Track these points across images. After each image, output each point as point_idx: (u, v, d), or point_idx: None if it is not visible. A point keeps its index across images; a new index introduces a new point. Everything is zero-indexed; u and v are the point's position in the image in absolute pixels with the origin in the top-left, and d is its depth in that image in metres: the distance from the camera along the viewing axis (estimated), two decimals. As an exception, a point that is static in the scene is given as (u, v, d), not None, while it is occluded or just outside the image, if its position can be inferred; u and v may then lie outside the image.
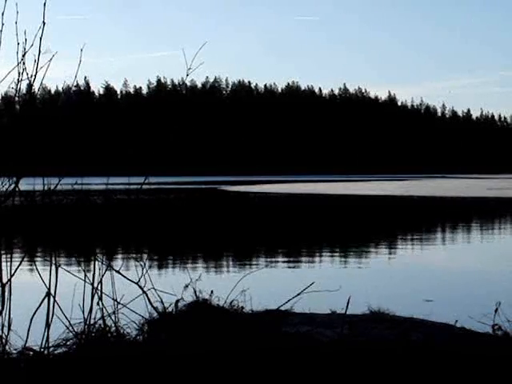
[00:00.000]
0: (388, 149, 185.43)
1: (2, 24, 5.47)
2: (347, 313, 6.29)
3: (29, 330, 5.49)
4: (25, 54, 5.46)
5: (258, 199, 52.62)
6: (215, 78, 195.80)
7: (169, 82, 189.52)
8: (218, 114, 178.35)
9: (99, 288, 5.89)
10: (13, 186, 5.57)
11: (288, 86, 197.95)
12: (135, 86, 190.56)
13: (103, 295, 5.89)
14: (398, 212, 37.42)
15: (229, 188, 75.22)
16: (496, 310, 6.12)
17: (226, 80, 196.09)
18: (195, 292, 6.35)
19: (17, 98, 5.70)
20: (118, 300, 5.98)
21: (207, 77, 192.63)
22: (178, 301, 6.21)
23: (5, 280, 5.62)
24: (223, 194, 63.12)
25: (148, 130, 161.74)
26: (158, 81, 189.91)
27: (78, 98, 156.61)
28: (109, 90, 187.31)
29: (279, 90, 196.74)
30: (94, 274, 5.88)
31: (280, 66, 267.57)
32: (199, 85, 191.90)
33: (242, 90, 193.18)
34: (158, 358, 5.14)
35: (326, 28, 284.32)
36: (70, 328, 5.59)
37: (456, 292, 11.66)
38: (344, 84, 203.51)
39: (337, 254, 18.27)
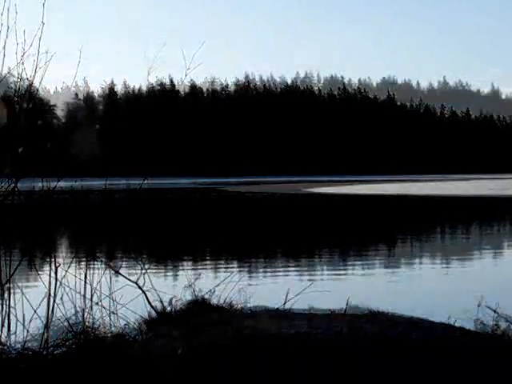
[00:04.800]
0: (386, 149, 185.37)
1: (1, 24, 5.48)
2: (346, 313, 6.30)
3: (28, 330, 5.49)
4: (24, 54, 5.46)
5: (257, 199, 52.59)
6: (213, 79, 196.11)
7: (168, 83, 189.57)
8: (216, 115, 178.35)
9: (98, 288, 5.90)
10: (12, 186, 5.57)
11: (287, 86, 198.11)
12: (134, 86, 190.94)
13: (102, 295, 5.90)
14: (399, 213, 37.43)
15: (228, 188, 75.21)
16: (495, 311, 6.14)
17: (226, 80, 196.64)
18: (194, 292, 6.36)
19: (16, 98, 5.71)
20: (118, 300, 5.98)
21: (206, 77, 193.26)
22: (176, 300, 6.22)
23: (4, 280, 5.62)
24: (222, 193, 63.13)
25: (147, 130, 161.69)
26: (159, 81, 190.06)
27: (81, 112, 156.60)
28: (110, 90, 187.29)
29: (278, 90, 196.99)
30: (93, 274, 5.89)
31: (279, 65, 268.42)
32: (199, 85, 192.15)
33: (242, 89, 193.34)
34: (155, 357, 5.14)
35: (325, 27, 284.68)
36: (69, 328, 5.59)
37: (456, 292, 11.67)
38: (343, 84, 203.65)
39: (336, 255, 18.27)
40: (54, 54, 5.48)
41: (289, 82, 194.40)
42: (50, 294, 5.62)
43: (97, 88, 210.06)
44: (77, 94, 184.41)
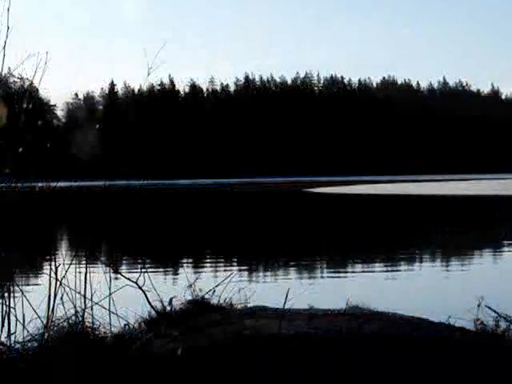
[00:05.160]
0: (386, 149, 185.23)
1: (1, 24, 5.48)
2: (346, 313, 6.30)
3: (28, 330, 5.49)
4: (24, 54, 5.47)
5: (257, 199, 52.63)
6: (212, 79, 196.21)
7: (168, 83, 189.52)
8: (217, 115, 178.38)
9: (98, 288, 5.90)
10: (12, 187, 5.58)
11: (287, 86, 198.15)
12: (134, 86, 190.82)
13: (102, 295, 5.91)
14: (400, 212, 37.44)
15: (228, 189, 75.21)
16: (495, 311, 6.14)
17: (226, 80, 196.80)
18: (194, 292, 6.36)
19: (15, 97, 5.72)
20: (118, 300, 5.99)
21: (205, 77, 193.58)
22: (176, 300, 6.22)
23: (4, 280, 5.63)
24: (222, 194, 63.16)
25: (148, 130, 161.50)
26: (159, 80, 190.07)
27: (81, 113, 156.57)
28: (110, 90, 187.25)
29: (278, 89, 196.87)
30: (93, 274, 5.89)
31: (279, 65, 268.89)
32: (199, 85, 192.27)
33: (242, 89, 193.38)
34: (155, 357, 5.15)
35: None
36: (69, 328, 5.59)
37: (456, 292, 11.67)
38: (343, 84, 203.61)
39: (336, 254, 18.28)
40: (54, 54, 5.48)
41: (289, 82, 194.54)
42: (50, 294, 5.62)
43: (97, 88, 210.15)
44: (77, 94, 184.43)
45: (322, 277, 13.61)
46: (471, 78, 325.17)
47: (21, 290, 5.68)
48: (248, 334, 5.25)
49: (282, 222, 29.91)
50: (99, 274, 6.34)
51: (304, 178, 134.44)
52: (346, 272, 14.37)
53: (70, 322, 5.54)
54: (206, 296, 6.36)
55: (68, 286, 5.74)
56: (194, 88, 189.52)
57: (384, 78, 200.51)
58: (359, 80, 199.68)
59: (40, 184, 5.90)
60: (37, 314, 5.60)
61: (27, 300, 5.66)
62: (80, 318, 5.59)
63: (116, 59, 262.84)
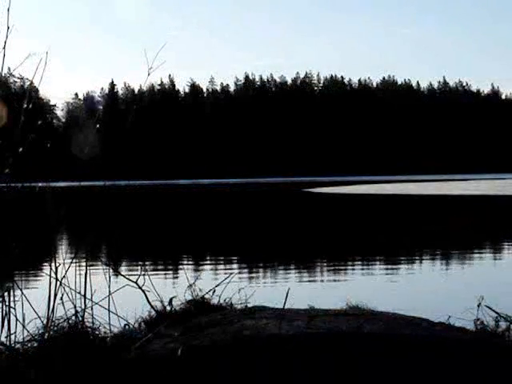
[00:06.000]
0: (387, 149, 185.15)
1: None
2: (346, 312, 6.30)
3: (28, 330, 5.50)
4: (24, 53, 5.46)
5: (257, 199, 52.62)
6: (212, 79, 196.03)
7: (168, 82, 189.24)
8: (216, 115, 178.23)
9: (98, 288, 5.90)
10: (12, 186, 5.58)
11: (287, 86, 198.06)
12: (133, 86, 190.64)
13: (102, 295, 5.91)
14: (400, 212, 37.43)
15: (228, 189, 75.18)
16: (495, 311, 6.14)
17: (226, 80, 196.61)
18: (194, 292, 6.36)
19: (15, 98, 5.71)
20: (118, 300, 5.99)
21: (205, 78, 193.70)
22: (176, 300, 6.22)
23: (4, 280, 5.62)
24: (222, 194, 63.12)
25: (148, 131, 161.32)
26: (159, 81, 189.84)
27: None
28: (110, 90, 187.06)
29: (278, 89, 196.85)
30: (93, 274, 5.89)
31: (279, 65, 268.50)
32: (199, 84, 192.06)
33: (242, 89, 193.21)
34: (154, 358, 5.15)
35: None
36: (69, 328, 5.59)
37: (456, 292, 11.67)
38: (343, 84, 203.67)
39: (336, 254, 18.28)
40: (53, 54, 5.48)
41: (289, 82, 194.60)
42: (50, 294, 5.62)
43: (97, 88, 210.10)
44: (77, 94, 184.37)
45: (321, 277, 13.61)
46: (471, 78, 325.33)
47: (21, 290, 5.67)
48: (248, 334, 5.25)
49: (282, 222, 29.91)
50: (99, 274, 6.34)
51: (304, 178, 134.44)
52: (346, 272, 14.37)
53: (70, 322, 5.53)
54: (206, 296, 6.36)
55: (68, 286, 5.74)
56: (194, 88, 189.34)
57: (384, 78, 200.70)
58: (359, 80, 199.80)
59: (40, 184, 5.90)
60: (37, 314, 5.59)
61: (27, 300, 5.65)
62: (80, 318, 5.59)
63: (116, 59, 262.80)
